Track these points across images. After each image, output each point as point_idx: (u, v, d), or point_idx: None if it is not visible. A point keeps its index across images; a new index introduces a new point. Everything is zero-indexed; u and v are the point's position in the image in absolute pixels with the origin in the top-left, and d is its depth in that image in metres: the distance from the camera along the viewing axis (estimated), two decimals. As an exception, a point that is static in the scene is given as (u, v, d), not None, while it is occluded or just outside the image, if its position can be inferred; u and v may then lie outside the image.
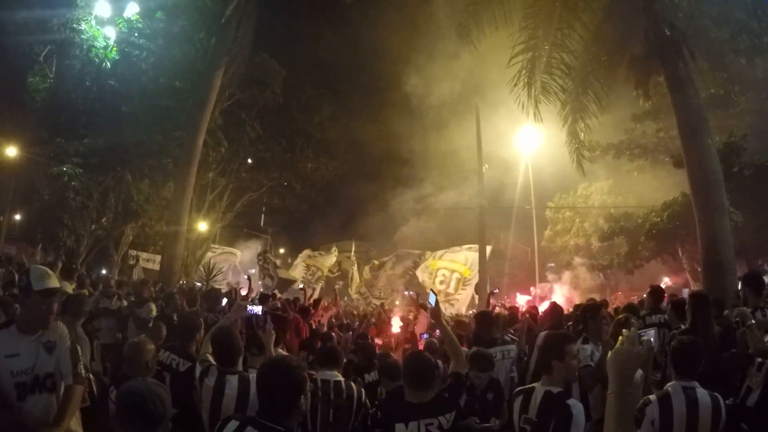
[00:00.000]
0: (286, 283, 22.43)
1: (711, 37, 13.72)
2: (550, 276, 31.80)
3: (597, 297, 14.26)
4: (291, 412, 2.84)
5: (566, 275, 29.41)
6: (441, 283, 23.61)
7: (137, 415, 2.59)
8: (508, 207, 32.90)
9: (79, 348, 4.11)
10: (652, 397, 3.81)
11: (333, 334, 9.00)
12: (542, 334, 6.29)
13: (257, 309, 10.49)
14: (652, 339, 2.81)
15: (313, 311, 13.26)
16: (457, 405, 3.99)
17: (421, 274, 24.15)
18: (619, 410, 2.10)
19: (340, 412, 4.65)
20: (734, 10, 13.40)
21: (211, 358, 4.42)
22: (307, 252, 26.75)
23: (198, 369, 4.40)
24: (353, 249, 27.45)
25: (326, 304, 13.81)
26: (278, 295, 15.67)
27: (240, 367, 4.34)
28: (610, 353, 2.18)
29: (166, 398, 2.69)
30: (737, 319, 5.86)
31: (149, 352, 4.52)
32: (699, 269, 13.48)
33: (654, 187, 25.00)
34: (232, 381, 4.18)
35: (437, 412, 3.85)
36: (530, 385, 3.76)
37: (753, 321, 5.17)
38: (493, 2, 13.90)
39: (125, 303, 9.78)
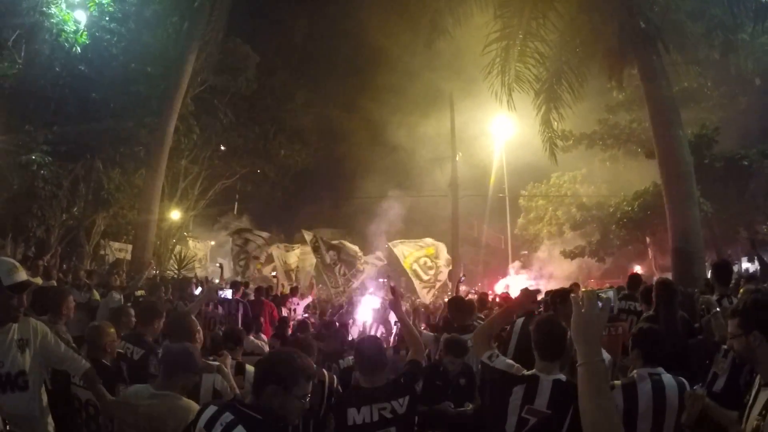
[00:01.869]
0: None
1: (686, 32, 13.86)
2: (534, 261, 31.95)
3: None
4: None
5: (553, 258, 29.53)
6: (429, 269, 23.75)
7: (176, 364, 3.61)
8: (479, 195, 33.10)
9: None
10: (617, 382, 3.85)
11: (309, 322, 9.01)
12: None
13: (228, 293, 10.55)
14: (611, 297, 2.73)
15: (290, 298, 13.32)
16: (412, 390, 3.97)
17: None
18: (593, 381, 1.97)
19: (312, 395, 4.65)
20: (710, 6, 13.54)
21: None
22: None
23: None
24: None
25: (303, 291, 13.88)
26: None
27: None
28: (571, 322, 2.04)
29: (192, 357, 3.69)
30: (703, 306, 5.96)
31: (108, 336, 4.53)
32: (661, 259, 13.68)
33: (626, 178, 25.26)
34: None
35: (390, 397, 3.84)
36: (529, 373, 3.60)
37: (718, 309, 5.27)
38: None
39: (96, 295, 9.62)
